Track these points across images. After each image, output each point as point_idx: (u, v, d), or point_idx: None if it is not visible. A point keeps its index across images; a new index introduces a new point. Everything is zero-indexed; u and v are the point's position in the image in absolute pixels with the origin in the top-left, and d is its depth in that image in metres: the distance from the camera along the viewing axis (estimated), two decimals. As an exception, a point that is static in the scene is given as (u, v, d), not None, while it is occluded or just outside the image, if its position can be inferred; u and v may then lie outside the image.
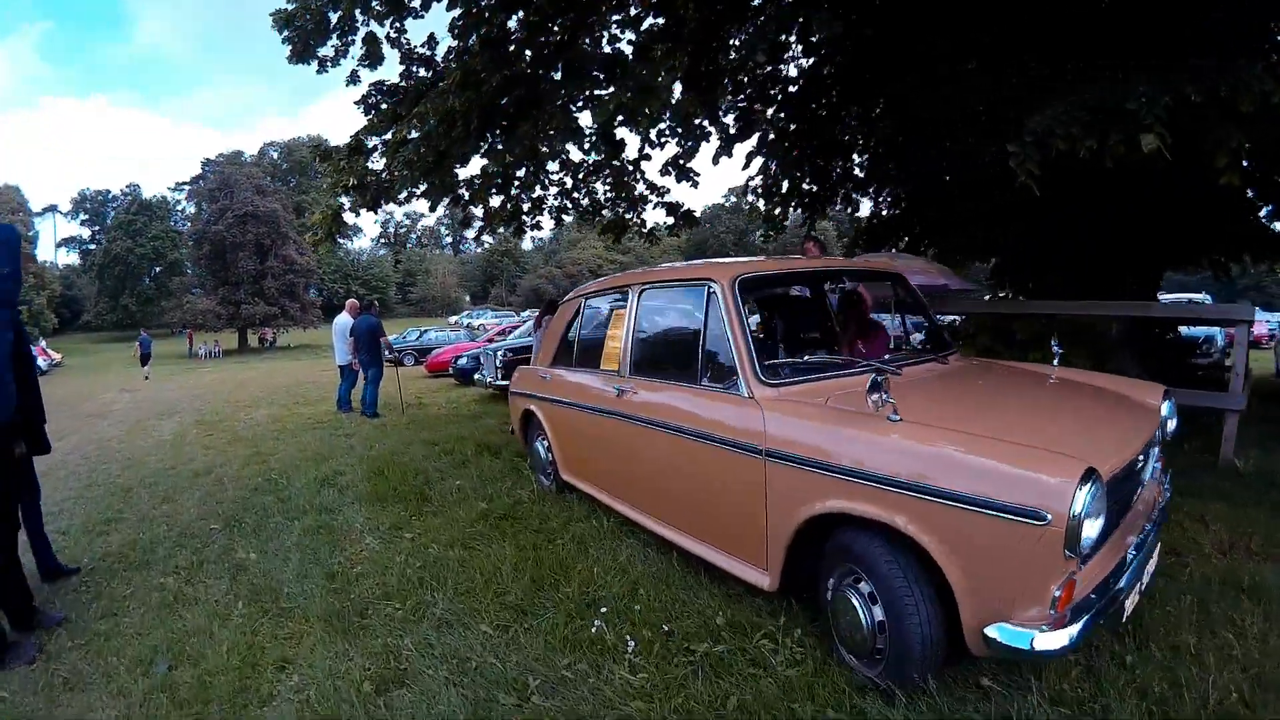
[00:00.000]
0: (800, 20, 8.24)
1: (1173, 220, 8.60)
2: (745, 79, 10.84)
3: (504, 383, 13.25)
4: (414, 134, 8.18)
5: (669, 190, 12.15)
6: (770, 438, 3.60)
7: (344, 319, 13.52)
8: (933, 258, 10.92)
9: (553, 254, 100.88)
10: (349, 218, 9.28)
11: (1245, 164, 6.71)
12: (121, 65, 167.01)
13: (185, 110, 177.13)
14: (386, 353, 13.21)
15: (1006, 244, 10.63)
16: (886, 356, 4.94)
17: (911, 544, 2.94)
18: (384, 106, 9.31)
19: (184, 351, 50.62)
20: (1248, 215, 9.47)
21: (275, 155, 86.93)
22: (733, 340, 4.05)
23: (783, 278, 5.74)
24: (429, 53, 9.68)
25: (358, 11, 8.33)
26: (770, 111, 11.19)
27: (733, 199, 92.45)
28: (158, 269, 73.29)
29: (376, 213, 9.67)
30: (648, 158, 11.70)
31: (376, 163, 8.77)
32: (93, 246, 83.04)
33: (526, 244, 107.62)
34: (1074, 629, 2.61)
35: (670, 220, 12.36)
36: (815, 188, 12.14)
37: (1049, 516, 2.52)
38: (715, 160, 11.50)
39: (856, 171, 12.16)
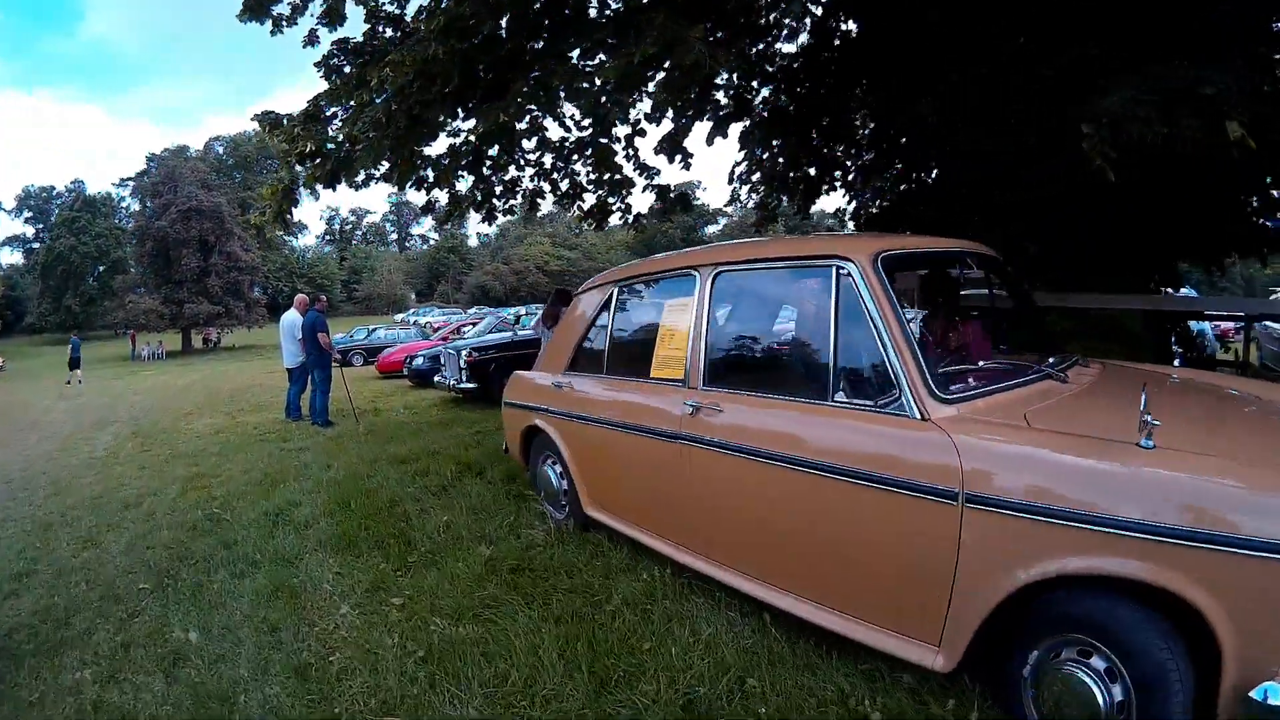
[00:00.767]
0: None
1: (1173, 218, 7.98)
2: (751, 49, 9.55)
3: (469, 385, 11.90)
4: (382, 97, 6.63)
5: (659, 171, 10.72)
6: (970, 475, 2.56)
7: (292, 316, 11.81)
8: None
9: (499, 250, 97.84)
10: (305, 199, 7.76)
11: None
12: (68, 59, 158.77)
13: (132, 106, 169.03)
14: (333, 355, 11.50)
15: (1007, 244, 9.65)
16: (991, 358, 3.77)
17: (1165, 601, 2.24)
18: (347, 69, 7.73)
19: (127, 354, 47.39)
20: (1244, 211, 8.83)
21: (221, 150, 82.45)
22: (889, 340, 2.91)
23: (929, 257, 4.21)
24: (398, 10, 8.09)
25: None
26: (767, 91, 9.99)
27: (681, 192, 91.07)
28: (101, 268, 69.17)
29: (335, 189, 8.11)
30: (642, 133, 10.22)
31: (338, 133, 7.20)
32: (36, 245, 78.76)
33: (473, 240, 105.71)
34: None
35: (658, 204, 10.95)
36: (812, 172, 10.90)
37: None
38: (710, 140, 10.20)
39: (857, 160, 11.01)
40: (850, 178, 11.28)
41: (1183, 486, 2.26)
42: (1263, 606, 2.13)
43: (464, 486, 6.44)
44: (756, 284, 3.93)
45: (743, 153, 10.93)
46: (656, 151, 10.10)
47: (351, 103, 7.26)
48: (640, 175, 10.68)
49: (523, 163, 10.63)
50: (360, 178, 8.70)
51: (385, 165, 8.94)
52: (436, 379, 13.43)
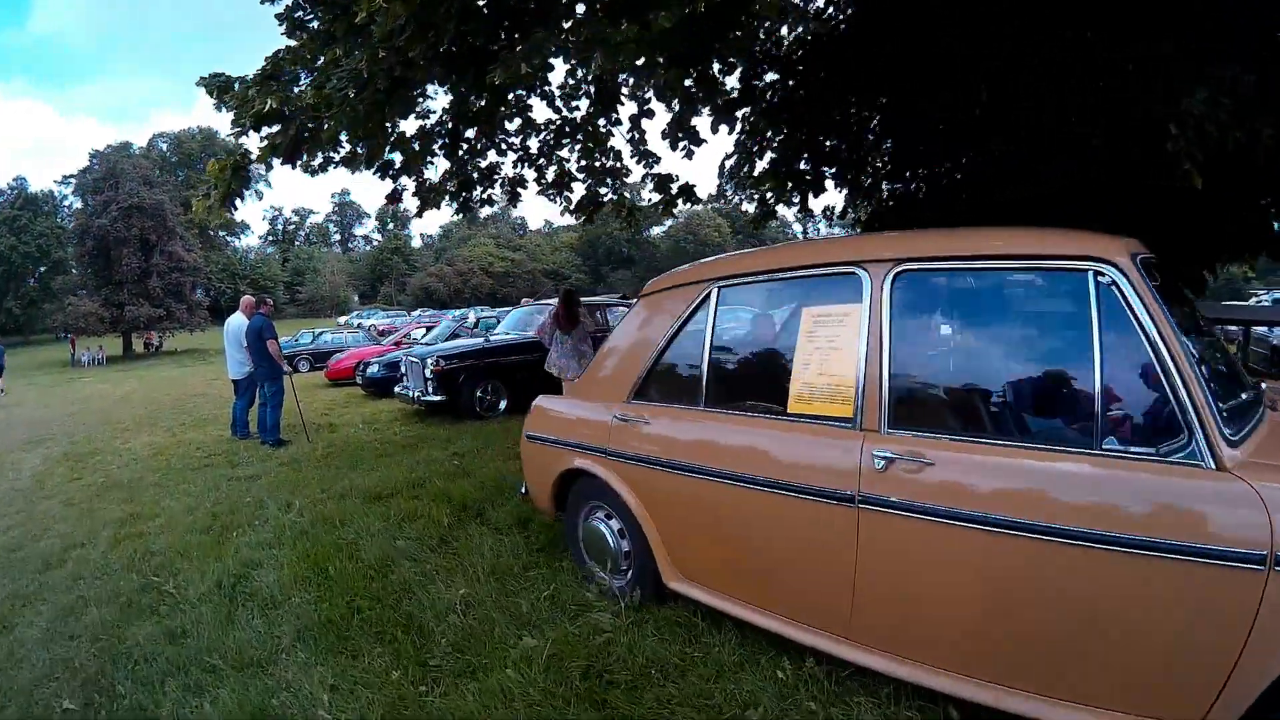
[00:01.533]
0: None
1: (1174, 221, 7.23)
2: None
3: (435, 398, 10.37)
4: (364, 51, 5.17)
5: (659, 159, 9.39)
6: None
7: (238, 320, 10.12)
8: None
9: (443, 251, 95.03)
10: (256, 184, 6.22)
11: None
12: (14, 53, 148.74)
13: (79, 102, 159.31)
14: (283, 365, 9.83)
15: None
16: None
17: None
18: (315, 24, 6.23)
19: (67, 359, 44.01)
20: (1243, 212, 8.16)
21: (164, 147, 78.07)
22: (1174, 368, 2.22)
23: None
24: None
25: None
26: (772, 76, 8.75)
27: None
28: (43, 269, 64.68)
29: (295, 165, 6.59)
30: (650, 114, 8.90)
31: (305, 94, 5.69)
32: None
33: (416, 241, 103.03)
34: None
35: (657, 196, 9.61)
36: (813, 167, 9.73)
37: None
38: (714, 128, 8.94)
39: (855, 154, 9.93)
40: (851, 175, 10.22)
41: None
42: None
43: (468, 537, 4.98)
44: (963, 291, 2.78)
45: (735, 146, 9.70)
46: (664, 137, 8.90)
47: (321, 59, 5.79)
48: (639, 163, 9.37)
49: (504, 147, 9.21)
50: (323, 156, 7.32)
51: (347, 147, 7.56)
52: (397, 390, 11.83)
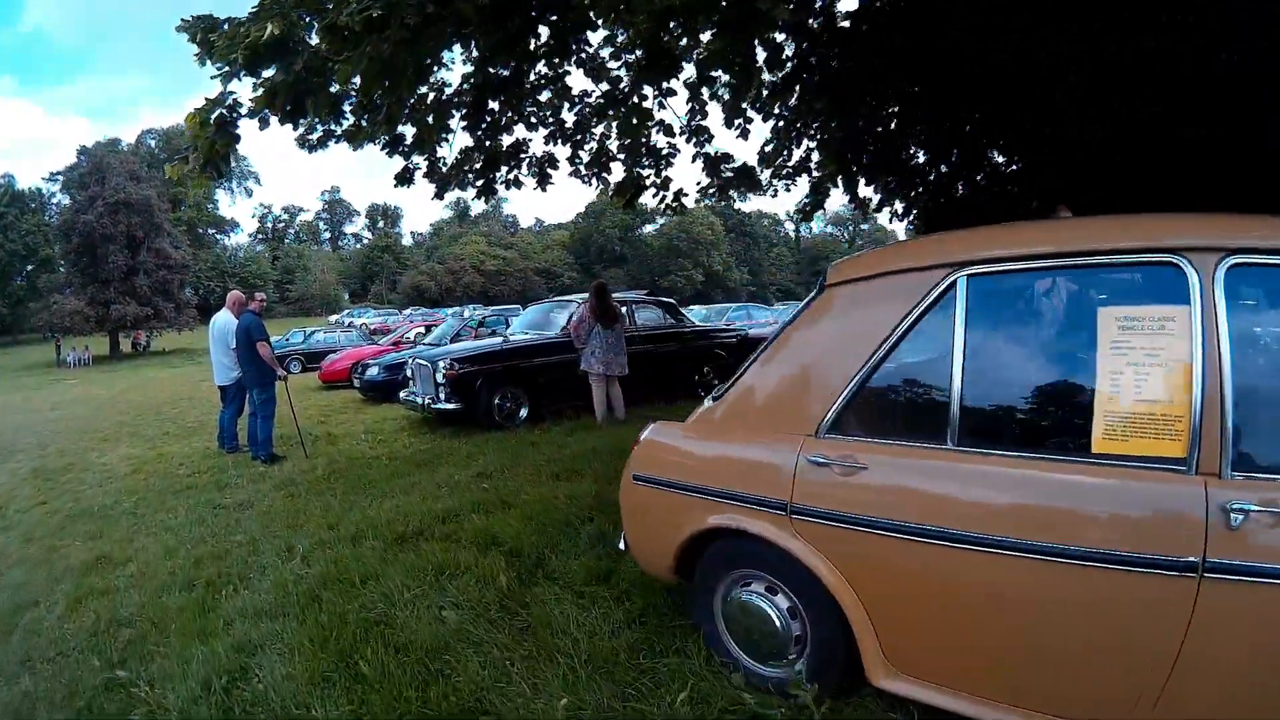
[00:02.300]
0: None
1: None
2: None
3: (449, 406, 9.06)
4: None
5: (711, 135, 8.15)
6: None
7: (224, 319, 8.86)
8: None
9: (434, 250, 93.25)
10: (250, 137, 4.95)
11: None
12: (3, 51, 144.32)
13: (67, 100, 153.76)
14: (277, 371, 8.55)
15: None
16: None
17: None
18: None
19: (53, 359, 42.21)
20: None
21: (153, 143, 76.17)
22: None
23: None
24: None
25: None
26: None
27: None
28: (30, 267, 62.54)
29: (297, 124, 5.36)
30: (710, 80, 7.69)
31: (311, 26, 4.42)
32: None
33: (406, 239, 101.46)
34: None
35: (706, 180, 8.38)
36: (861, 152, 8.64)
37: None
38: (769, 107, 8.09)
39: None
40: (915, 163, 9.14)
41: None
42: None
43: (538, 601, 3.74)
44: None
45: (773, 132, 8.55)
46: (724, 109, 7.77)
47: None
48: (689, 141, 8.13)
49: (533, 120, 7.93)
50: (326, 123, 6.17)
51: (354, 112, 6.36)
52: (402, 395, 10.53)
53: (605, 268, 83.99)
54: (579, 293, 11.75)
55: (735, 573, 2.88)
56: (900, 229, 10.78)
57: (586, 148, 8.18)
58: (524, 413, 9.49)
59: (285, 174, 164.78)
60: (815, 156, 8.80)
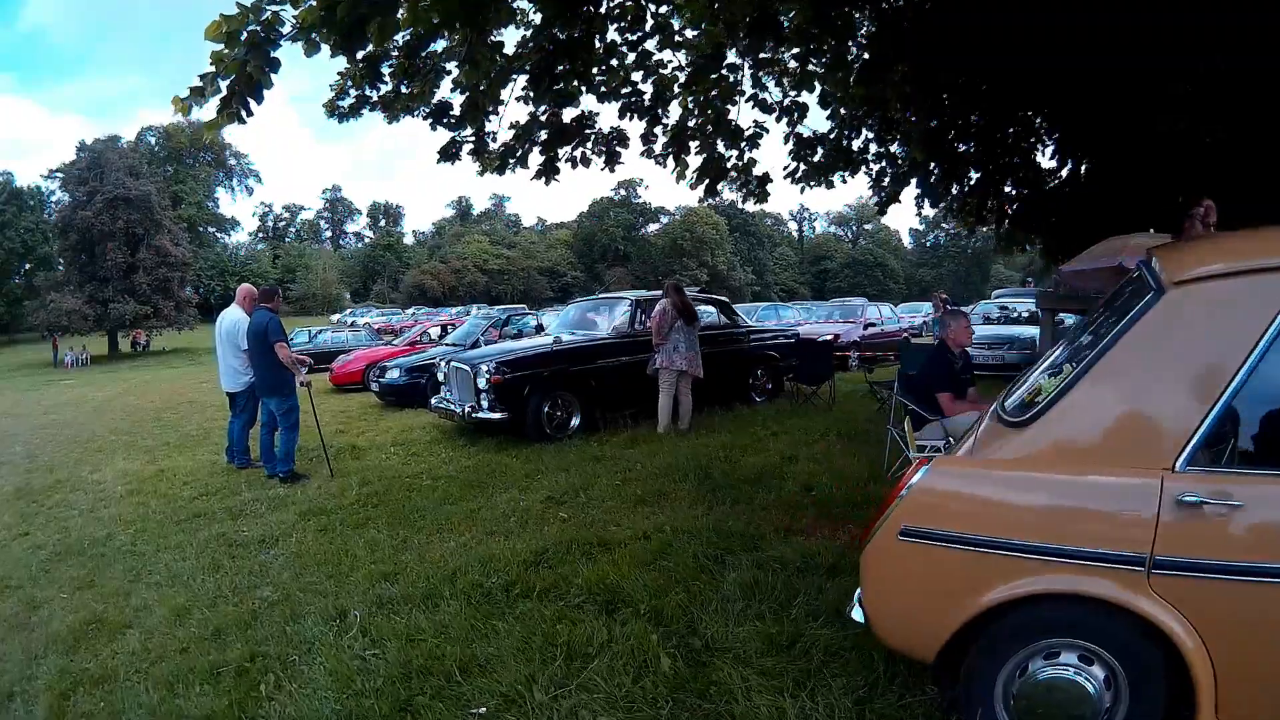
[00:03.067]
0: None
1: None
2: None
3: (493, 415, 7.93)
4: None
5: (806, 108, 7.02)
6: None
7: (234, 316, 7.60)
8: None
9: (436, 248, 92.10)
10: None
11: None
12: (4, 48, 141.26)
13: (67, 99, 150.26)
14: (297, 376, 7.27)
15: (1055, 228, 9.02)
16: None
17: None
18: None
19: (50, 359, 40.58)
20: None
21: (153, 140, 74.66)
22: None
23: None
24: None
25: None
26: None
27: (621, 192, 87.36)
28: (27, 265, 61.02)
29: (349, 57, 4.28)
30: (820, 52, 6.68)
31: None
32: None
33: (409, 238, 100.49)
34: None
35: (797, 163, 7.25)
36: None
37: None
38: (866, 79, 6.74)
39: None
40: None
41: None
42: None
43: (729, 694, 2.70)
44: None
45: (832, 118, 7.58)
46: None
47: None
48: (778, 120, 7.01)
49: (603, 90, 6.77)
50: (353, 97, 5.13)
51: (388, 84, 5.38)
52: (435, 402, 9.38)
53: (609, 266, 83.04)
54: (582, 293, 10.71)
55: (1037, 644, 2.30)
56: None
57: (664, 123, 7.03)
58: (575, 421, 8.35)
59: (286, 172, 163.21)
60: (892, 148, 7.85)
